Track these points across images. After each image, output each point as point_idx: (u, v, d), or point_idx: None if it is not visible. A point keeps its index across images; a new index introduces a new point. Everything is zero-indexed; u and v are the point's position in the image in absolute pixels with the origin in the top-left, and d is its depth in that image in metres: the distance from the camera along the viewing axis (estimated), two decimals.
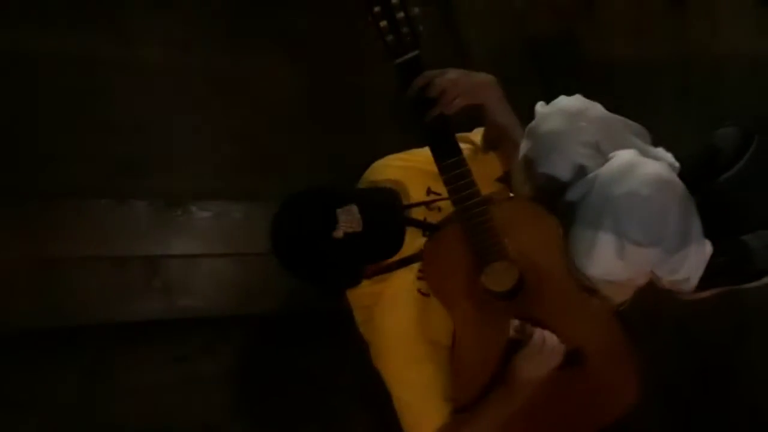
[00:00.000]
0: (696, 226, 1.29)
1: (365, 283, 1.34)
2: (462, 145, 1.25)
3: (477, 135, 1.45)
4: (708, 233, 1.45)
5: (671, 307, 1.69)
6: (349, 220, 1.16)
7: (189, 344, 1.52)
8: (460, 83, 1.19)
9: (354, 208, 1.17)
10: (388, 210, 1.26)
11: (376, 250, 1.22)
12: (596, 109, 1.37)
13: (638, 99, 1.45)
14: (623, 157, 1.27)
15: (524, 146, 1.34)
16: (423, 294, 1.33)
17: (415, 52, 1.14)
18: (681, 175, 1.35)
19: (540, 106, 1.36)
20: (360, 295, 1.37)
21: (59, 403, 1.40)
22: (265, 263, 1.38)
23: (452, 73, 1.19)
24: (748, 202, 1.57)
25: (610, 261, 1.24)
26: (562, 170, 1.29)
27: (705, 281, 1.47)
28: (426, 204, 1.37)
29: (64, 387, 1.40)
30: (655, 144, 1.38)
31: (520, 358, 1.26)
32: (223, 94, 1.78)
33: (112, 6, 1.71)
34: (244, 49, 1.84)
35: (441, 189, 1.26)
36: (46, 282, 1.47)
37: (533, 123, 1.34)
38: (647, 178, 1.21)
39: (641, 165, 1.24)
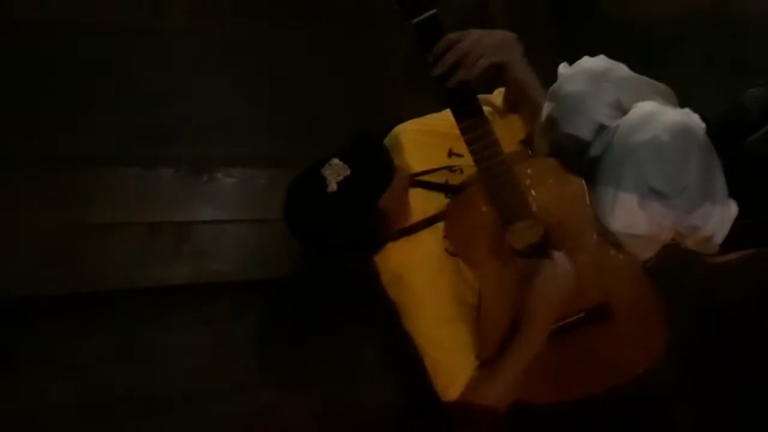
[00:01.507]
0: (719, 180, 1.28)
1: (391, 245, 1.36)
2: (483, 107, 1.25)
3: (498, 97, 1.44)
4: (735, 195, 1.44)
5: (696, 271, 1.69)
6: (335, 171, 1.18)
7: (217, 308, 1.55)
8: (482, 43, 1.18)
9: (335, 160, 1.19)
10: (364, 144, 1.28)
11: (373, 182, 1.21)
12: (620, 69, 1.35)
13: (662, 58, 1.42)
14: (644, 107, 1.26)
15: (547, 107, 1.34)
16: (450, 253, 1.35)
17: (433, 11, 1.12)
18: (708, 136, 1.34)
19: (563, 68, 1.35)
20: (387, 257, 1.38)
21: (95, 365, 1.43)
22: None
23: (473, 34, 1.17)
24: None
25: (632, 212, 1.23)
26: (584, 130, 1.28)
27: (730, 243, 1.46)
28: (448, 168, 1.37)
29: (99, 349, 1.43)
30: (682, 105, 1.37)
31: (530, 282, 1.26)
32: (245, 62, 1.80)
33: None
34: (266, 16, 1.84)
35: (463, 150, 1.26)
36: (79, 248, 1.51)
37: (556, 84, 1.33)
38: (667, 125, 1.20)
39: (661, 113, 1.23)
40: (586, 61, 1.35)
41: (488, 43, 1.19)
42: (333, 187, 1.18)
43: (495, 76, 1.31)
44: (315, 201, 1.21)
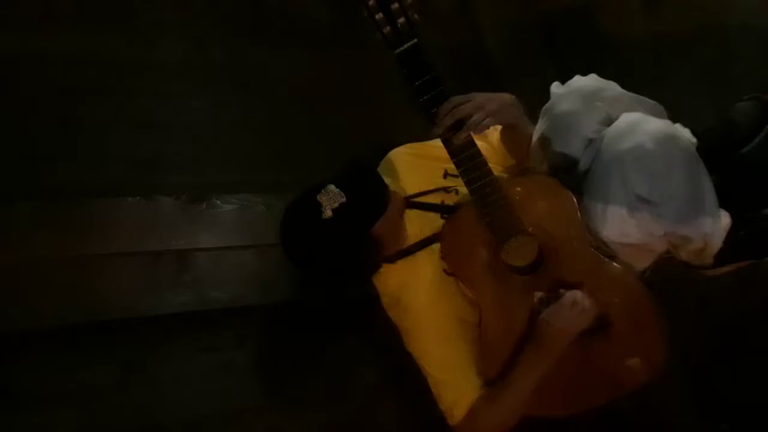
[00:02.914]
0: (708, 189, 1.30)
1: (388, 267, 1.37)
2: (479, 143, 1.27)
3: (494, 133, 1.47)
4: (728, 206, 1.45)
5: (693, 286, 1.69)
6: (330, 198, 1.20)
7: (219, 334, 1.55)
8: (485, 108, 1.21)
9: (331, 187, 1.21)
10: (360, 171, 1.30)
11: (368, 209, 1.23)
12: (612, 88, 1.37)
13: (652, 75, 1.44)
14: (628, 117, 1.28)
15: (540, 126, 1.36)
16: (448, 274, 1.36)
17: (413, 41, 1.15)
18: (699, 150, 1.36)
19: (555, 87, 1.38)
20: (385, 280, 1.40)
21: (97, 396, 1.43)
22: None
23: (477, 98, 1.21)
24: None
25: (623, 222, 1.25)
26: (576, 148, 1.31)
27: (724, 255, 1.47)
28: (443, 189, 1.39)
29: (101, 380, 1.43)
30: (673, 121, 1.38)
31: (549, 314, 1.28)
32: (241, 89, 1.81)
33: (129, 6, 1.73)
34: (262, 45, 1.87)
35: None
36: (80, 279, 1.50)
37: (549, 103, 1.36)
38: (650, 133, 1.23)
39: (645, 122, 1.26)
40: (578, 81, 1.37)
41: (491, 108, 1.22)
42: (328, 213, 1.20)
43: None
44: (310, 227, 1.23)
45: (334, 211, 1.20)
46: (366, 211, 1.24)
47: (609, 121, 1.32)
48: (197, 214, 1.66)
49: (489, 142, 1.47)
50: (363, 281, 1.40)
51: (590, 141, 1.29)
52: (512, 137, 1.39)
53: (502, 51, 2.07)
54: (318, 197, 1.22)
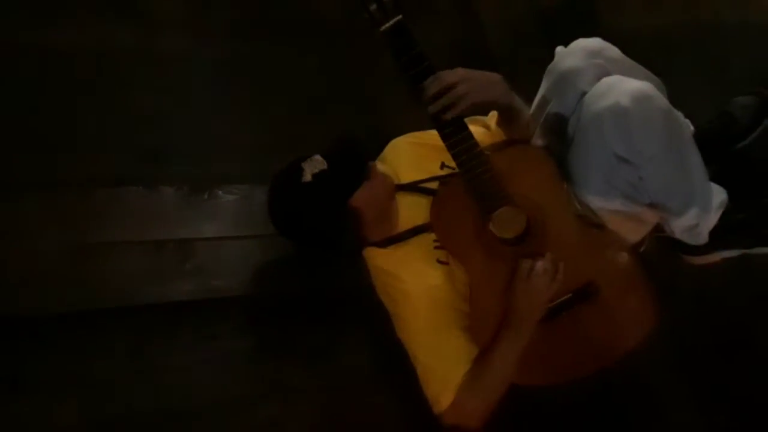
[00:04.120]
0: (694, 157, 1.30)
1: (381, 252, 1.39)
2: (476, 128, 1.29)
3: (492, 119, 1.48)
4: (728, 193, 1.46)
5: (688, 278, 1.71)
6: (313, 165, 1.26)
7: (220, 323, 1.56)
8: (470, 83, 1.23)
9: (317, 156, 1.28)
10: (347, 145, 1.34)
11: (345, 178, 1.28)
12: (614, 50, 1.38)
13: (652, 69, 1.45)
14: (608, 79, 1.28)
15: (542, 87, 1.38)
16: (442, 263, 1.37)
17: (398, 17, 1.17)
18: (698, 142, 1.37)
19: (560, 48, 1.39)
20: (378, 266, 1.42)
21: (98, 383, 1.44)
22: (289, 243, 1.44)
23: (460, 72, 1.23)
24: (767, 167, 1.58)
25: (603, 184, 1.27)
26: (570, 105, 1.32)
27: (718, 238, 1.48)
28: (439, 178, 1.40)
29: (103, 367, 1.44)
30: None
31: (513, 289, 1.30)
32: (243, 80, 1.83)
33: None
34: (263, 35, 1.88)
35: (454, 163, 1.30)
36: (84, 267, 1.53)
37: (552, 63, 1.37)
38: (627, 91, 1.22)
39: (624, 81, 1.26)
40: (582, 41, 1.38)
41: (475, 81, 1.24)
42: (308, 177, 1.26)
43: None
44: (290, 190, 1.29)
45: (313, 176, 1.26)
46: (344, 180, 1.28)
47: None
48: (199, 205, 1.68)
49: (486, 126, 1.49)
50: (341, 253, 1.45)
51: (581, 97, 1.30)
52: (508, 120, 1.40)
53: (504, 47, 2.08)
54: (302, 164, 1.27)
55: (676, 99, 1.37)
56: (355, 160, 1.32)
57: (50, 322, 1.45)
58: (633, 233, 1.41)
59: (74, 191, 1.57)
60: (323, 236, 1.35)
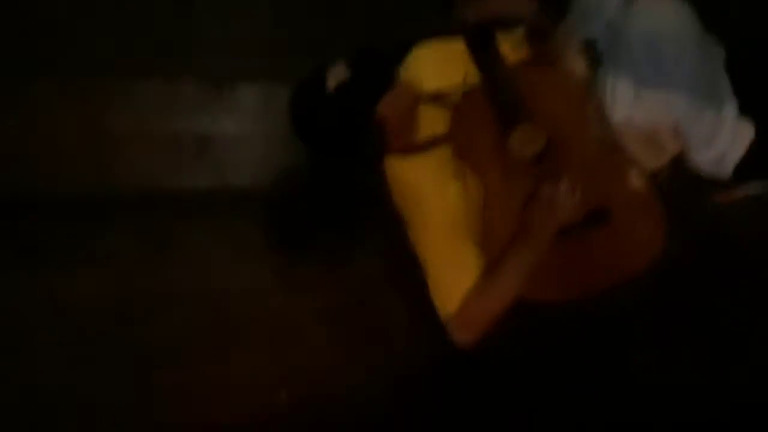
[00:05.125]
0: (724, 86, 1.30)
1: (400, 161, 1.41)
2: (505, 44, 1.28)
3: (520, 38, 1.45)
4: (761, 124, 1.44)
5: (703, 213, 1.70)
6: (337, 72, 1.26)
7: (235, 216, 1.61)
8: None
9: (342, 64, 1.28)
10: (370, 54, 1.35)
11: (369, 87, 1.29)
12: None
13: None
14: (640, 1, 1.28)
15: (570, 11, 1.36)
16: (458, 175, 1.38)
17: None
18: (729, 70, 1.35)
19: None
20: (396, 174, 1.43)
21: (115, 262, 1.51)
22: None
23: None
24: None
25: (630, 102, 1.28)
26: (596, 29, 1.32)
27: (742, 171, 1.47)
28: (462, 90, 1.40)
29: (120, 248, 1.51)
30: None
31: (529, 208, 1.31)
32: None
33: None
34: None
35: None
36: (106, 154, 1.57)
37: None
38: (659, 16, 1.24)
39: (655, 5, 1.26)
40: None
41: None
42: (332, 85, 1.26)
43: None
44: (313, 99, 1.30)
45: (337, 85, 1.26)
46: (367, 89, 1.29)
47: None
48: (218, 100, 1.69)
49: (514, 43, 1.46)
50: (364, 163, 1.45)
51: (610, 21, 1.30)
52: (535, 39, 1.38)
53: None
54: (326, 72, 1.28)
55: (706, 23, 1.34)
56: (380, 70, 1.32)
57: (70, 203, 1.51)
58: (653, 160, 1.41)
59: (93, 79, 1.59)
60: (346, 147, 1.36)
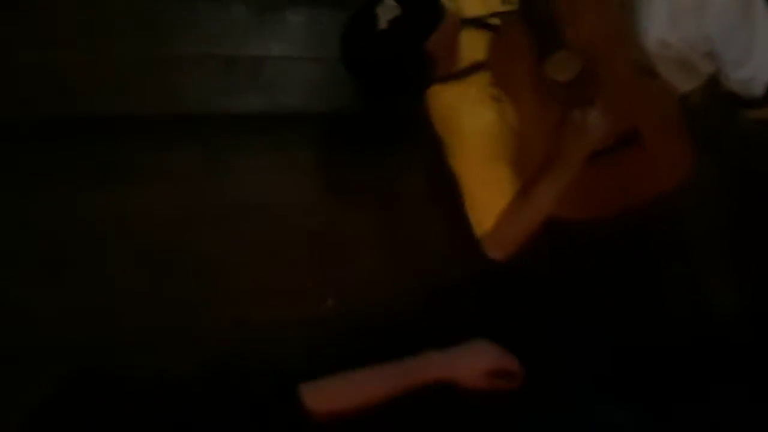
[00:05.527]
0: (760, 9, 1.30)
1: (441, 87, 1.47)
2: None
3: None
4: None
5: (736, 135, 1.71)
6: (387, 10, 1.28)
7: (288, 135, 1.70)
8: None
9: (390, 1, 1.28)
10: None
11: (420, 23, 1.31)
12: None
13: None
14: None
15: None
16: (496, 99, 1.44)
17: None
18: None
19: None
20: (437, 99, 1.49)
21: (176, 176, 1.60)
22: None
23: None
24: None
25: (663, 24, 1.29)
26: None
27: None
28: (501, 14, 1.44)
29: (189, 164, 1.60)
30: None
31: (561, 132, 1.35)
32: None
33: None
34: None
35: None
36: (159, 75, 1.64)
37: None
38: None
39: None
40: None
41: None
42: (383, 24, 1.28)
43: None
44: (366, 37, 1.32)
45: (389, 22, 1.27)
46: (419, 25, 1.31)
47: None
48: (268, 24, 1.75)
49: None
50: (415, 96, 1.48)
51: None
52: None
53: None
54: (377, 9, 1.29)
55: None
56: (429, 3, 1.33)
57: (139, 122, 1.59)
58: (686, 82, 1.43)
59: (158, 4, 1.66)
60: (397, 85, 1.39)
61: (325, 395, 1.10)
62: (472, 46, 1.44)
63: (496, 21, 1.43)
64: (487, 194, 1.44)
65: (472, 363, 1.13)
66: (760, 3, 1.31)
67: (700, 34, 1.30)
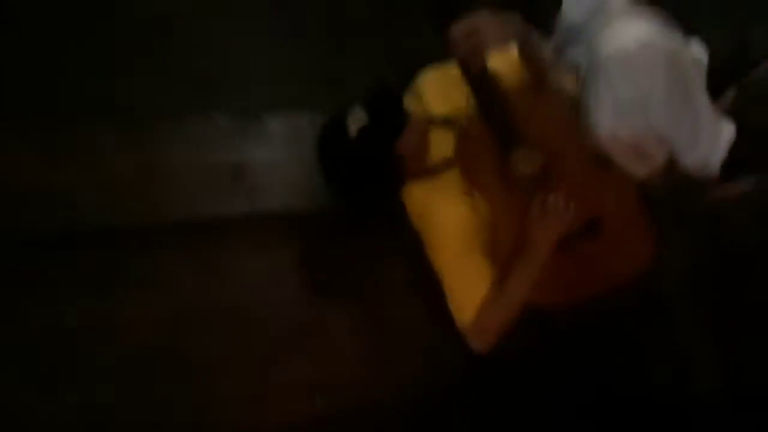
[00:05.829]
0: (701, 96, 1.35)
1: (415, 184, 1.50)
2: (501, 61, 1.37)
3: (514, 50, 1.55)
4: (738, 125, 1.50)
5: (703, 206, 1.75)
6: (356, 119, 1.34)
7: (270, 236, 1.74)
8: (488, 29, 1.29)
9: (357, 109, 1.35)
10: (381, 94, 1.41)
11: (386, 130, 1.37)
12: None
13: None
14: (614, 23, 1.32)
15: (553, 39, 1.42)
16: (468, 194, 1.47)
17: None
18: (709, 68, 1.43)
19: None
20: (411, 196, 1.53)
21: (180, 288, 1.64)
22: None
23: (473, 22, 1.28)
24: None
25: (610, 120, 1.33)
26: (581, 50, 1.36)
27: (731, 168, 1.51)
28: (465, 114, 1.50)
29: (180, 273, 1.64)
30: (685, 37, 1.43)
31: (529, 222, 1.40)
32: (289, 14, 1.93)
33: None
34: None
35: None
36: (151, 185, 1.70)
37: (559, 15, 1.38)
38: (633, 36, 1.27)
39: (629, 26, 1.30)
40: None
41: (487, 33, 1.29)
42: (353, 132, 1.34)
43: None
44: (338, 146, 1.38)
45: (358, 131, 1.34)
46: (385, 132, 1.37)
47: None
48: (250, 131, 1.82)
49: (508, 57, 1.52)
50: (388, 196, 1.53)
51: (589, 43, 1.32)
52: (527, 55, 1.46)
53: None
54: (346, 119, 1.36)
55: (695, 24, 1.42)
56: (395, 110, 1.40)
57: (123, 233, 1.64)
58: (643, 168, 1.47)
59: (143, 117, 1.73)
60: (372, 187, 1.45)
61: None
62: (442, 144, 1.49)
63: (462, 119, 1.49)
64: (465, 286, 1.47)
65: None
66: (699, 88, 1.38)
67: (648, 124, 1.35)
